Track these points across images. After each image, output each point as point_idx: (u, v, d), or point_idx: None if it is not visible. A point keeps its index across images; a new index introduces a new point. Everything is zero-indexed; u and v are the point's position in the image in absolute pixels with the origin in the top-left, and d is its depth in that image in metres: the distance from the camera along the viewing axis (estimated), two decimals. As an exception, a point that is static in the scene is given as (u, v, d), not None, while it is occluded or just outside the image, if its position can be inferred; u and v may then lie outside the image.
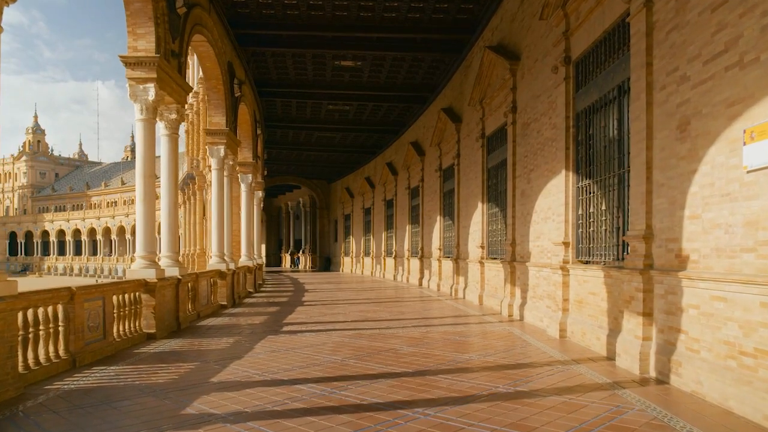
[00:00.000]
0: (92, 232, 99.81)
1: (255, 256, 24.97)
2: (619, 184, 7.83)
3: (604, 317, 7.88)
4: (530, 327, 10.84)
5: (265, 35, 16.87)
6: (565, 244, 9.31)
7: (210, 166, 26.12)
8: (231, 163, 16.75)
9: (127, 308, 9.20)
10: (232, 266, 16.24)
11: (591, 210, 8.70)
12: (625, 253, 7.64)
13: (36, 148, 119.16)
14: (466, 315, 13.08)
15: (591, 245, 8.75)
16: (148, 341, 9.55)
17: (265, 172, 32.14)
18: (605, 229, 8.19)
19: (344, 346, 8.90)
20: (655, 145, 6.50)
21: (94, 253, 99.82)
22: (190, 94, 40.58)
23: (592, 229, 8.69)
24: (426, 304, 15.78)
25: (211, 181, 26.84)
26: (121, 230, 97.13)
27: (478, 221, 15.63)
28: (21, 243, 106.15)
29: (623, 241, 7.57)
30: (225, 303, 15.26)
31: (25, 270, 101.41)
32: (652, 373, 6.42)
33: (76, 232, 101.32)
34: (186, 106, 46.34)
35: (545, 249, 10.61)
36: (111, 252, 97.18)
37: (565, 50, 9.35)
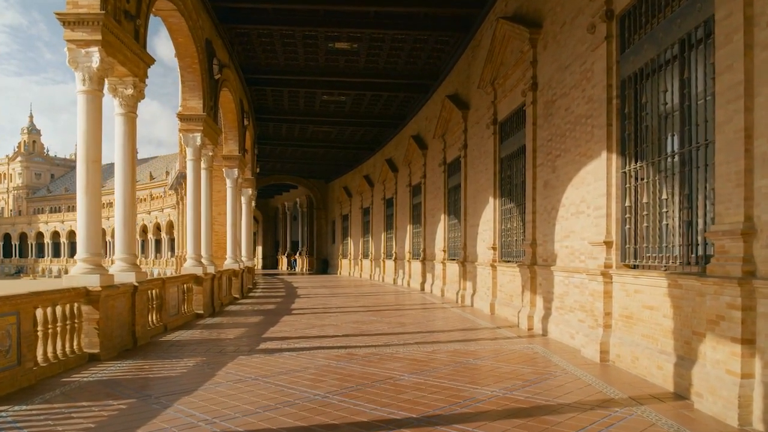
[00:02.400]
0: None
1: (243, 259, 23.12)
2: (687, 165, 5.97)
3: (668, 339, 6.01)
4: (558, 345, 8.97)
5: (248, 10, 15.05)
6: (607, 243, 7.44)
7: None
8: (210, 153, 14.89)
9: (59, 324, 7.35)
10: (211, 270, 14.38)
11: (644, 200, 6.84)
12: (696, 255, 5.78)
13: (31, 149, 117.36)
14: (477, 327, 11.21)
15: (644, 245, 6.89)
16: (89, 364, 7.69)
17: (257, 169, 30.28)
18: (667, 224, 6.33)
19: (330, 372, 7.03)
20: (758, 104, 4.65)
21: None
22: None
23: (645, 224, 6.83)
24: (429, 313, 13.90)
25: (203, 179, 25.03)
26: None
27: (488, 219, 13.77)
28: (15, 245, 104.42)
29: (698, 240, 5.72)
30: (201, 312, 13.40)
31: (19, 272, 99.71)
32: (758, 426, 4.55)
33: (71, 234, 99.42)
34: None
35: (577, 250, 8.74)
36: (106, 254, 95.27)
37: (606, 2, 7.50)
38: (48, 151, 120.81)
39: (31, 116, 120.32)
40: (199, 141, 13.65)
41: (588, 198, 8.25)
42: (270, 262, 60.14)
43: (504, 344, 9.11)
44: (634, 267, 7.13)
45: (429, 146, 21.10)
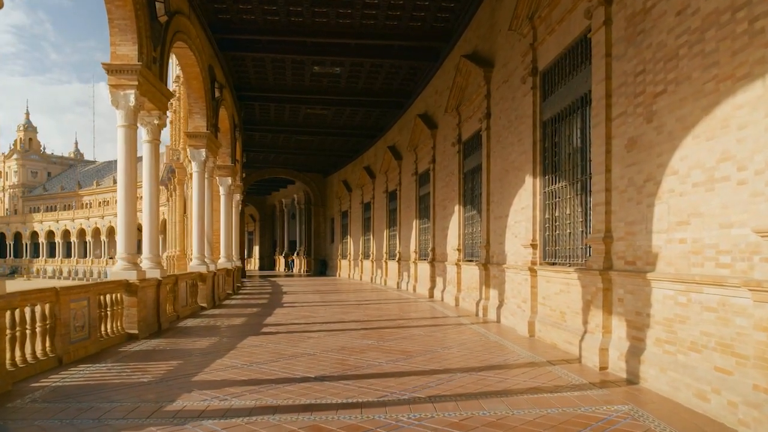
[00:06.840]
0: (82, 233, 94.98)
1: (219, 259, 19.62)
2: None
3: None
4: (672, 407, 5.34)
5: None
6: (807, 232, 3.83)
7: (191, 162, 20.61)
8: (156, 122, 11.31)
9: None
10: (153, 274, 10.83)
11: None
12: None
13: (27, 146, 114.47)
14: (517, 364, 7.59)
15: None
16: None
17: (243, 159, 26.79)
18: None
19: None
20: None
21: (85, 254, 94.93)
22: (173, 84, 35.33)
23: None
24: (444, 334, 10.31)
25: (192, 174, 21.43)
26: (111, 231, 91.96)
27: (524, 206, 10.17)
28: (10, 245, 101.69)
29: None
30: (136, 331, 9.86)
31: (13, 273, 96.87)
32: None
33: (66, 233, 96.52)
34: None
35: (708, 245, 5.12)
36: (102, 254, 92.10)
37: None
38: (45, 148, 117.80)
39: (27, 113, 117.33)
40: (132, 101, 10.08)
41: (739, 153, 4.64)
42: (267, 262, 56.72)
43: (576, 403, 5.49)
44: None
45: (439, 124, 17.51)
